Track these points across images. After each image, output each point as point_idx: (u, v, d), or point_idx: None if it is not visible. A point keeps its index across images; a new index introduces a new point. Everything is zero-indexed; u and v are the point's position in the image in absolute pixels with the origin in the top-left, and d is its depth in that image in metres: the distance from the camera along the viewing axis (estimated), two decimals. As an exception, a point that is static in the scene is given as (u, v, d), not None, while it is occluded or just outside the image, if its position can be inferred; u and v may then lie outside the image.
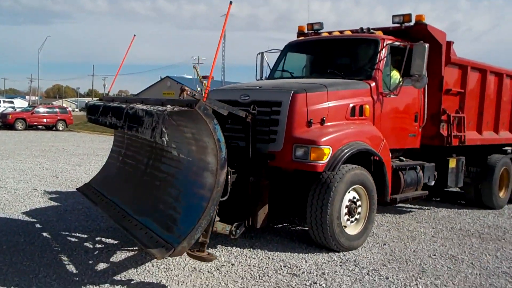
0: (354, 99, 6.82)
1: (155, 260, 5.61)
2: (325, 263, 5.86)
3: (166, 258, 5.19)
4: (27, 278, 5.04)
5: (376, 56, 7.32)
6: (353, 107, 6.77)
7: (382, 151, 6.77)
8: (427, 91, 7.87)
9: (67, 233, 6.82)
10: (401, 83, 7.32)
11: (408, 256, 6.28)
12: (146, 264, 5.57)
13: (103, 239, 6.54)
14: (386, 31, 7.94)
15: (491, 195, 9.62)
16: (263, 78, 8.86)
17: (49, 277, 5.08)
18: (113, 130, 7.38)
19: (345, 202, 6.26)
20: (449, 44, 8.11)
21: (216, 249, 6.24)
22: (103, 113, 6.02)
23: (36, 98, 79.84)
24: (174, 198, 5.08)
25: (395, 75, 7.46)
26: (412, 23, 7.77)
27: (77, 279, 5.07)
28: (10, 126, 33.96)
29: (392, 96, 7.28)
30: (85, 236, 6.70)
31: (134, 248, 6.12)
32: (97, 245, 6.29)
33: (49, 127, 36.28)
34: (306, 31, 9.08)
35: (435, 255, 6.38)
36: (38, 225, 7.19)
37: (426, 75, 7.14)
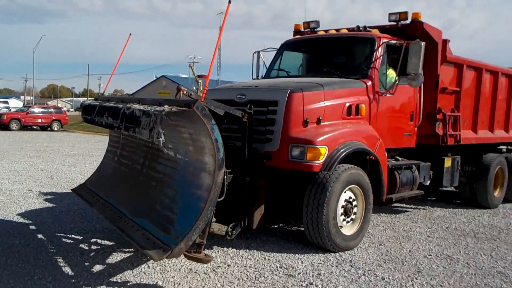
0: (350, 98, 6.82)
1: (151, 261, 5.59)
2: (321, 263, 5.85)
3: (163, 260, 5.16)
4: (23, 280, 5.00)
5: (372, 54, 7.32)
6: (349, 106, 6.76)
7: (378, 151, 6.77)
8: (423, 90, 7.87)
9: (62, 234, 6.78)
10: (397, 82, 7.32)
11: (404, 256, 6.28)
12: (142, 266, 5.54)
13: (99, 241, 6.51)
14: (382, 29, 7.93)
15: (486, 195, 9.64)
16: (259, 77, 8.85)
17: (44, 279, 5.04)
18: (109, 130, 7.34)
19: (341, 202, 6.25)
20: (445, 42, 8.11)
21: (212, 250, 6.22)
22: (99, 113, 5.99)
23: (31, 98, 79.38)
24: (171, 198, 5.06)
25: (391, 73, 7.46)
26: (408, 21, 7.76)
27: (73, 281, 5.04)
28: (4, 127, 33.80)
29: (388, 95, 7.29)
30: (81, 237, 6.67)
31: (130, 249, 6.09)
32: (93, 247, 6.26)
33: (44, 128, 36.15)
34: (302, 29, 9.08)
35: (430, 255, 6.38)
36: (33, 227, 7.15)
37: (422, 73, 7.14)
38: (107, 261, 5.68)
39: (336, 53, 8.08)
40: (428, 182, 8.35)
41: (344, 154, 6.14)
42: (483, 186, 9.60)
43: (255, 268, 5.61)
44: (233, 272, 5.48)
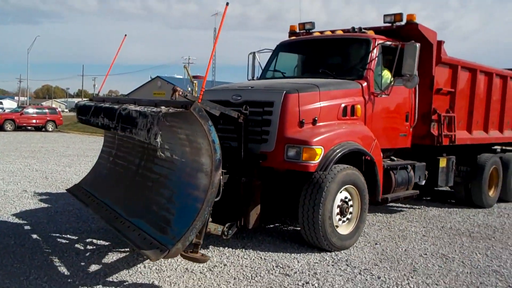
0: (346, 99, 6.84)
1: (147, 261, 5.59)
2: (317, 263, 5.87)
3: (160, 260, 5.17)
4: (18, 280, 4.99)
5: (367, 55, 7.35)
6: (345, 107, 6.78)
7: (374, 151, 6.80)
8: (418, 90, 7.90)
9: (58, 234, 6.77)
10: (392, 83, 7.35)
11: (400, 255, 6.31)
12: (138, 265, 5.54)
13: (94, 241, 6.50)
14: (377, 30, 7.96)
15: (480, 194, 9.69)
16: (255, 78, 8.86)
17: (40, 279, 5.04)
18: (104, 131, 7.33)
19: (337, 202, 6.27)
20: (439, 43, 8.15)
21: (208, 250, 6.23)
22: (94, 113, 5.99)
23: (25, 98, 79.10)
24: (167, 199, 5.06)
25: (387, 74, 7.49)
26: (403, 23, 7.79)
27: (69, 280, 5.04)
28: (-2, 127, 33.68)
29: (383, 96, 7.31)
30: (76, 237, 6.66)
31: (126, 249, 6.09)
32: (88, 247, 6.25)
33: (38, 128, 36.03)
34: (297, 30, 9.09)
35: (426, 254, 6.41)
36: (28, 227, 7.13)
37: (417, 74, 7.17)
38: (103, 261, 5.67)
39: (332, 54, 8.10)
40: (423, 182, 8.39)
41: (339, 154, 6.16)
42: (478, 186, 9.65)
43: (251, 268, 5.62)
44: (229, 271, 5.49)
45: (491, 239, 7.35)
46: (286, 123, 6.21)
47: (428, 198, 10.61)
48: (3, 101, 62.13)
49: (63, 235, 6.74)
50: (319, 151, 6.01)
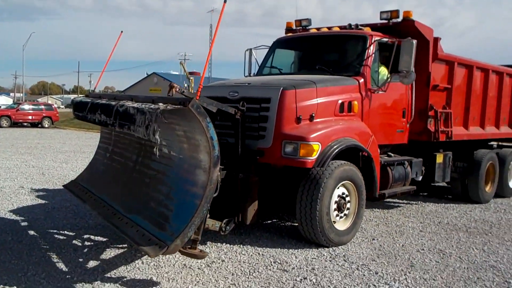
0: (343, 95, 6.85)
1: (145, 257, 5.59)
2: (315, 258, 5.89)
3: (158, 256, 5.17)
4: (16, 277, 4.99)
5: (364, 52, 7.35)
6: (342, 103, 6.79)
7: (371, 147, 6.82)
8: (414, 87, 7.92)
9: (55, 231, 6.77)
10: (389, 79, 7.36)
11: (397, 250, 6.34)
12: (136, 262, 5.55)
13: (92, 237, 6.50)
14: (374, 27, 7.96)
15: (477, 190, 9.73)
16: (252, 74, 8.85)
17: (38, 275, 5.04)
18: (100, 127, 7.31)
19: (334, 197, 6.29)
20: (436, 40, 8.17)
21: (206, 246, 6.24)
22: (91, 110, 5.97)
23: (21, 95, 78.76)
24: (165, 195, 5.06)
25: (383, 71, 7.50)
26: (399, 19, 7.79)
27: (67, 277, 5.04)
28: (-6, 124, 33.59)
29: (380, 92, 7.32)
30: (74, 233, 6.66)
31: (124, 245, 6.09)
32: (86, 243, 6.25)
33: (34, 124, 35.96)
34: (294, 27, 9.08)
35: (423, 249, 6.44)
36: (25, 223, 7.13)
37: (413, 71, 7.18)
38: (101, 257, 5.68)
39: (328, 51, 8.11)
40: (420, 178, 8.41)
41: (337, 150, 6.17)
42: (475, 181, 9.69)
43: (249, 263, 5.64)
44: (227, 267, 5.50)
45: (488, 234, 7.38)
46: (283, 119, 6.22)
47: (425, 193, 10.65)
48: (-2, 97, 61.84)
49: (61, 231, 6.73)
50: (316, 147, 6.02)
